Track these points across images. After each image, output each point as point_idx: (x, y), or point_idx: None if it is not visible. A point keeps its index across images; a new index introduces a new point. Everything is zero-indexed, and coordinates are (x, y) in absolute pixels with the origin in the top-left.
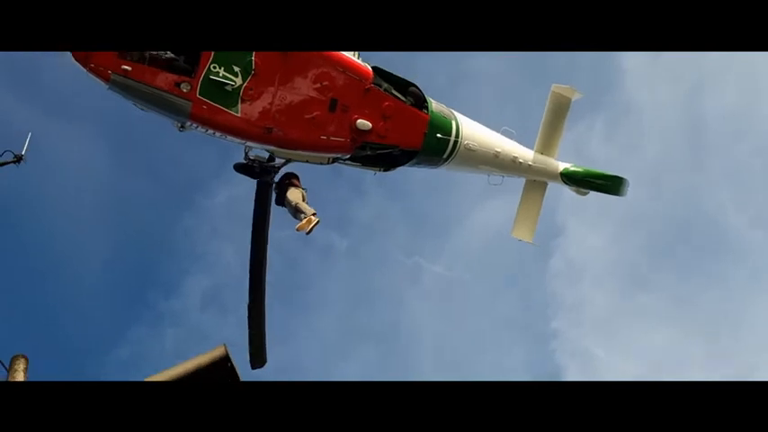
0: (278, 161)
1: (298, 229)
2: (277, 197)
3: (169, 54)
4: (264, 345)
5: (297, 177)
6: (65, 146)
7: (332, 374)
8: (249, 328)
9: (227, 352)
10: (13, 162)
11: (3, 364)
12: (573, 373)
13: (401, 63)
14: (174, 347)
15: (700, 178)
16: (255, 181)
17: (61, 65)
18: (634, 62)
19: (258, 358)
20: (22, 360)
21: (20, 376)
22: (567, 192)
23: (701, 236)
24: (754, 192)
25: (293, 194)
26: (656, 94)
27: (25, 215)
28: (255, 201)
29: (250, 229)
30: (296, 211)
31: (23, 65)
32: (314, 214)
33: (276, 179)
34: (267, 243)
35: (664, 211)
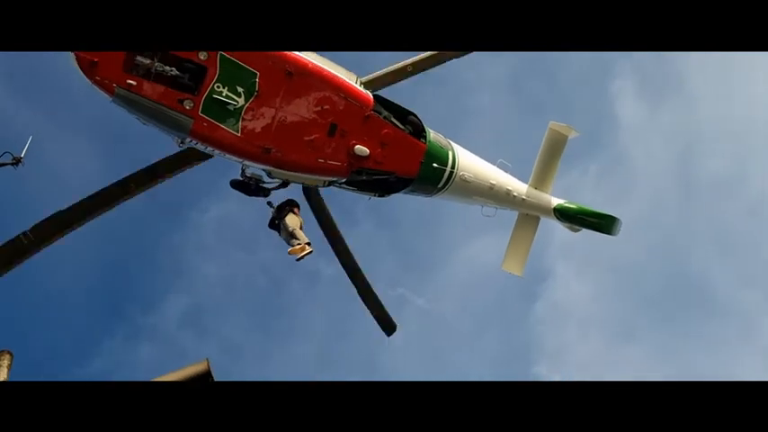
0: (274, 180)
1: (290, 253)
2: (272, 219)
3: (174, 71)
4: (387, 313)
5: (298, 206)
6: (62, 150)
7: None
8: (369, 309)
9: (208, 367)
10: (12, 164)
11: None
12: None
13: (404, 94)
14: (148, 363)
15: (688, 234)
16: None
17: (66, 70)
18: (631, 115)
19: (389, 325)
20: (7, 356)
21: (3, 372)
22: (557, 236)
23: (687, 291)
24: (740, 251)
25: (292, 220)
26: (651, 148)
27: (11, 217)
28: (313, 211)
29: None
30: (290, 236)
31: (29, 67)
32: (308, 243)
33: (276, 203)
34: (344, 240)
35: (651, 262)
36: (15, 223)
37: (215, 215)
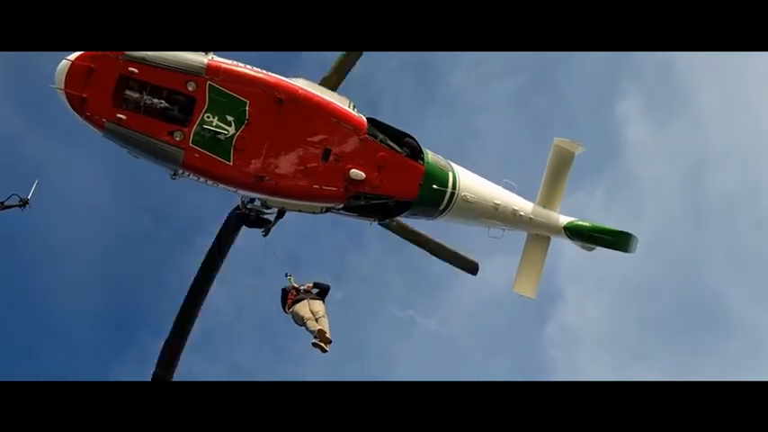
0: (272, 210)
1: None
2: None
3: (164, 103)
4: (464, 258)
5: (297, 290)
6: (70, 178)
7: None
8: (447, 261)
9: None
10: (19, 206)
11: None
12: None
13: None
14: None
15: (699, 252)
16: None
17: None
18: (638, 134)
19: (471, 266)
20: None
21: None
22: (566, 256)
23: (700, 309)
24: (753, 268)
25: (302, 310)
26: (658, 168)
27: (27, 249)
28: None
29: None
30: (308, 329)
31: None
32: (319, 338)
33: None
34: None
35: (663, 282)
36: (20, 255)
37: None
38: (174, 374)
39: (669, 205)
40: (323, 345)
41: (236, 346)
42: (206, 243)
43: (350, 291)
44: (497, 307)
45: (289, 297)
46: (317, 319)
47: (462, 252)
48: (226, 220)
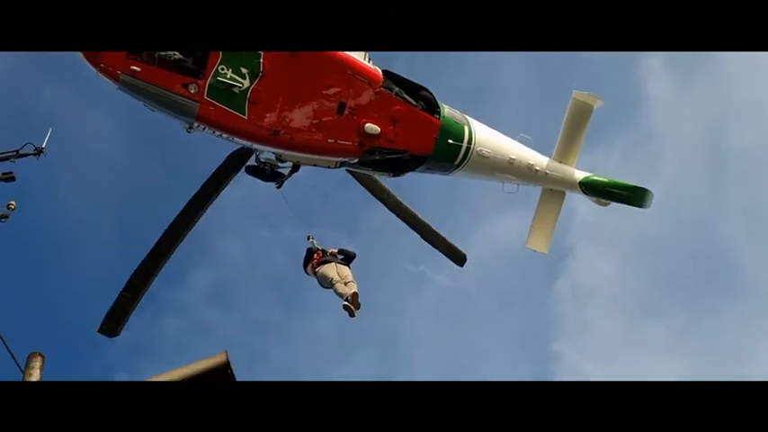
0: (287, 164)
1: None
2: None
3: (178, 55)
4: (454, 247)
5: (324, 251)
6: (85, 130)
7: (327, 377)
8: (436, 248)
9: (228, 359)
10: (34, 154)
11: (17, 363)
12: None
13: (422, 70)
14: (175, 338)
15: (716, 211)
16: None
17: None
18: (660, 90)
19: (459, 257)
20: (39, 358)
21: (36, 374)
22: (580, 212)
23: (713, 268)
24: None
25: (331, 272)
26: (679, 124)
27: (39, 201)
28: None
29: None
30: (336, 292)
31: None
32: (351, 301)
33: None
34: (395, 197)
35: (676, 240)
36: (33, 207)
37: (237, 194)
38: (137, 304)
39: (688, 162)
40: (353, 308)
41: (249, 298)
42: (220, 196)
43: (362, 246)
44: (509, 263)
45: (314, 258)
46: (345, 284)
47: (452, 241)
48: (226, 159)
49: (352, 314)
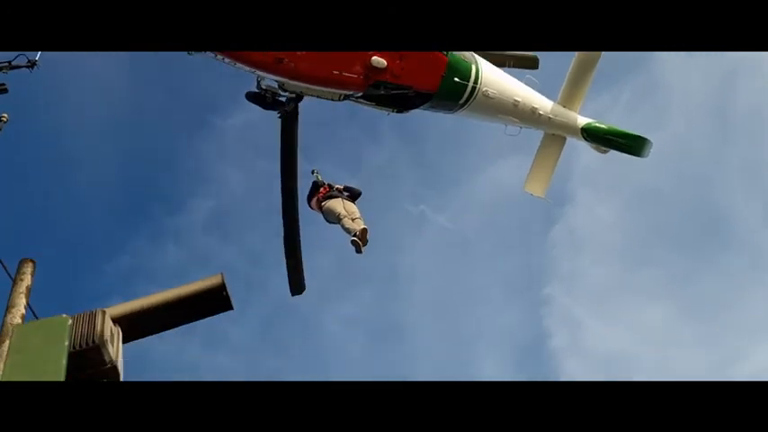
0: (289, 93)
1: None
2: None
3: None
4: (303, 273)
5: (330, 186)
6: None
7: (326, 312)
8: (286, 258)
9: (223, 281)
10: (27, 66)
11: (7, 271)
12: (559, 340)
13: None
14: (174, 264)
15: (717, 166)
16: (278, 118)
17: None
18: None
19: (297, 286)
20: (30, 264)
21: (27, 280)
22: (581, 160)
23: (708, 222)
24: (766, 187)
25: (338, 207)
26: (688, 76)
27: (37, 120)
28: (282, 134)
29: (276, 157)
30: (344, 227)
31: None
32: (360, 236)
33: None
34: (296, 175)
35: (675, 192)
36: (30, 125)
37: (238, 122)
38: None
39: (694, 115)
40: (361, 244)
41: (248, 229)
42: (220, 123)
43: (363, 183)
44: (507, 207)
45: (319, 192)
46: (353, 219)
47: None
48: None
49: (359, 250)
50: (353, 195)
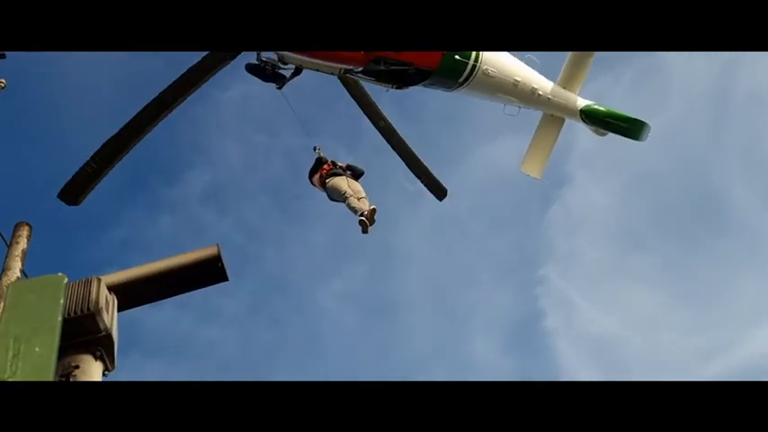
0: (289, 66)
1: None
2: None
3: None
4: (436, 180)
5: (334, 164)
6: None
7: (318, 289)
8: (419, 178)
9: (219, 252)
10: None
11: (2, 236)
12: (551, 321)
13: None
14: (169, 235)
15: (715, 151)
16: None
17: None
18: None
19: (440, 191)
20: (26, 227)
21: (23, 243)
22: (580, 142)
23: (704, 206)
24: (763, 175)
25: (343, 185)
26: (690, 59)
27: (36, 87)
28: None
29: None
30: (350, 206)
31: None
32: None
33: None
34: (386, 119)
35: (674, 175)
36: (26, 86)
37: (236, 94)
38: (103, 176)
39: (694, 99)
40: (368, 224)
41: (244, 202)
42: (220, 96)
43: (360, 158)
44: (505, 187)
45: (323, 168)
46: (358, 199)
47: (435, 174)
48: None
49: (365, 230)
50: (356, 174)
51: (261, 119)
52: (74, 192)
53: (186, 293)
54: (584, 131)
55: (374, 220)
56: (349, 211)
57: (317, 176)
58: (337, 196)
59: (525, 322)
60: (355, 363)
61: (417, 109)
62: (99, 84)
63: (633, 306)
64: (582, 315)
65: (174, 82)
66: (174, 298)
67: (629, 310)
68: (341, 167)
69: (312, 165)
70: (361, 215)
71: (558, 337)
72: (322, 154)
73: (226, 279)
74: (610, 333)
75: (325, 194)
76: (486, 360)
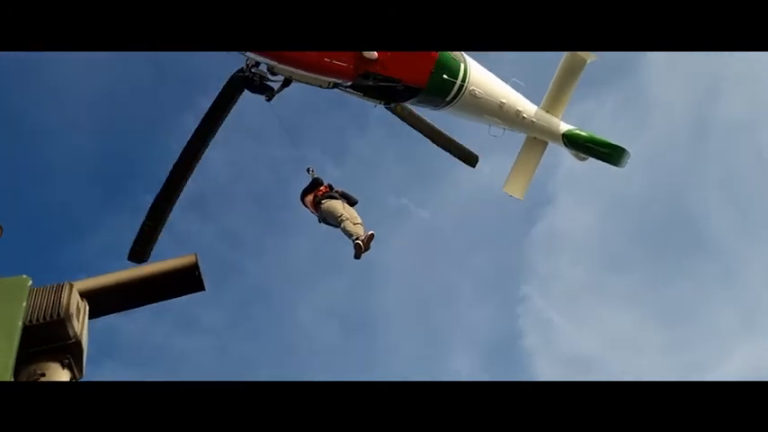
0: (277, 77)
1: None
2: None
3: None
4: (465, 149)
5: (330, 186)
6: None
7: (297, 302)
8: (448, 151)
9: (197, 260)
10: None
11: None
12: (531, 341)
13: None
14: None
15: (694, 176)
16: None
17: None
18: (658, 53)
19: (471, 158)
20: None
21: None
22: (564, 163)
23: (682, 230)
24: (742, 199)
25: (338, 209)
26: (672, 87)
27: (22, 91)
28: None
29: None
30: (345, 230)
31: None
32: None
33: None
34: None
35: (653, 200)
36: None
37: None
38: (161, 230)
39: (674, 126)
40: (363, 249)
41: (229, 211)
42: (207, 103)
43: (347, 172)
44: (490, 205)
45: (318, 190)
46: (354, 224)
47: (463, 145)
48: (228, 81)
49: (358, 255)
50: (350, 203)
51: (247, 128)
52: (140, 252)
53: (162, 302)
54: (568, 153)
55: (369, 247)
56: (343, 234)
57: (310, 197)
58: (332, 219)
59: (505, 341)
60: (334, 377)
61: (404, 126)
62: (80, 84)
63: (612, 326)
64: (561, 335)
65: (198, 129)
66: (150, 306)
67: (607, 331)
68: (337, 192)
69: (307, 185)
70: (357, 239)
71: (538, 357)
72: (316, 175)
73: (203, 288)
74: (588, 353)
75: (315, 216)
76: (466, 377)
